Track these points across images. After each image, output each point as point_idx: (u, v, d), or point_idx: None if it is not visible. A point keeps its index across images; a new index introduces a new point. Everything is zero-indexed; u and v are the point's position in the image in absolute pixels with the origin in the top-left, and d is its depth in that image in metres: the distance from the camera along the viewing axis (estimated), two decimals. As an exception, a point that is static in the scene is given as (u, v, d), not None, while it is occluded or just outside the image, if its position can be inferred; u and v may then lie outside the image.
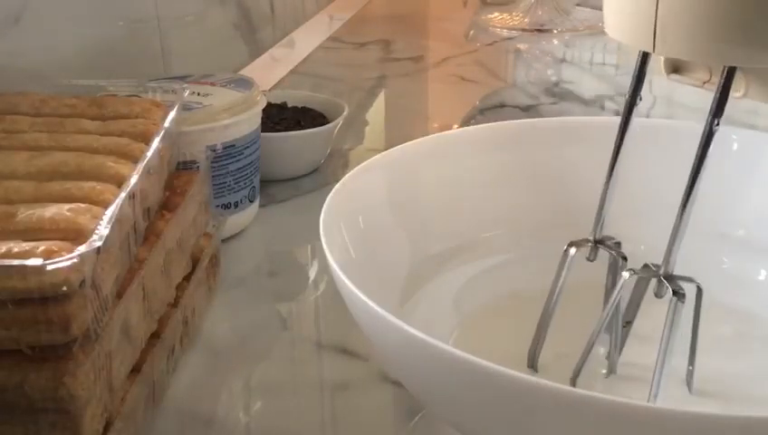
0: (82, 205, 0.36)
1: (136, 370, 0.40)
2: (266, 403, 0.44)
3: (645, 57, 0.39)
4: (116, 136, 0.44)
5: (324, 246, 0.38)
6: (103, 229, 0.35)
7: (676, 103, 0.91)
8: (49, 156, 0.41)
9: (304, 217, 0.64)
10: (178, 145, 0.50)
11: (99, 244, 0.33)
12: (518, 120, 0.54)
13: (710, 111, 0.34)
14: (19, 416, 0.34)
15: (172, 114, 0.47)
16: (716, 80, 0.35)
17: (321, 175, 0.71)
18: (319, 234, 0.39)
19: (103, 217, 0.36)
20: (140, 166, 0.41)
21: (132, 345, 0.39)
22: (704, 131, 0.35)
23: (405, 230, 0.47)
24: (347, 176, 0.45)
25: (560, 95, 0.95)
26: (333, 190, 0.43)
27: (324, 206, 0.41)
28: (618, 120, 0.41)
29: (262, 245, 0.62)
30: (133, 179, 0.40)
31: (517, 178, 0.51)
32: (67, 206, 0.36)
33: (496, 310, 0.47)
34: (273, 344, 0.50)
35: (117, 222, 0.36)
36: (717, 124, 0.34)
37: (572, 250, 0.42)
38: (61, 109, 0.47)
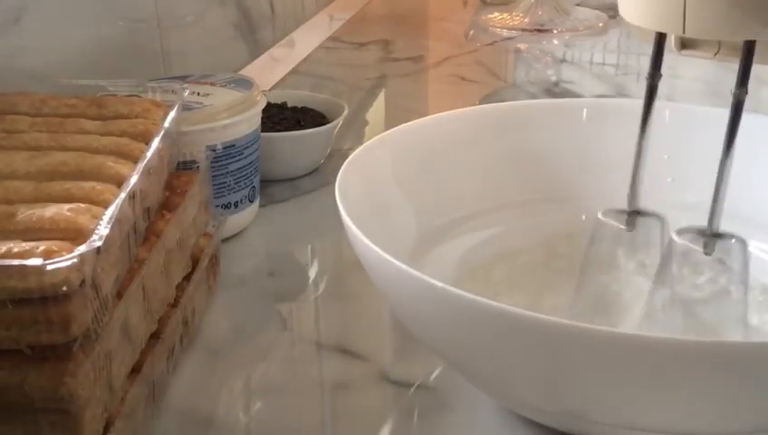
0: (82, 205, 0.36)
1: (136, 370, 0.40)
2: (266, 403, 0.44)
3: (661, 35, 0.41)
4: (116, 136, 0.44)
5: (339, 202, 0.40)
6: (103, 229, 0.35)
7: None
8: (49, 156, 0.41)
9: (304, 217, 0.64)
10: (178, 145, 0.50)
11: (99, 244, 0.33)
12: (519, 102, 0.58)
13: (736, 83, 0.37)
14: (19, 416, 0.34)
15: (172, 114, 0.47)
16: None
17: (321, 175, 0.71)
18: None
19: (103, 217, 0.36)
20: (140, 166, 0.41)
21: (132, 345, 0.39)
22: (732, 102, 0.38)
23: (412, 202, 0.49)
24: (361, 148, 0.47)
25: (560, 95, 0.95)
26: (348, 160, 0.45)
27: (339, 174, 0.44)
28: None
29: (262, 245, 0.62)
30: (133, 179, 0.40)
31: (516, 156, 0.54)
32: (67, 206, 0.36)
33: (495, 269, 0.50)
34: (273, 344, 0.50)
35: (117, 222, 0.36)
36: (746, 93, 0.37)
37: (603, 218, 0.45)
38: (61, 109, 0.47)
